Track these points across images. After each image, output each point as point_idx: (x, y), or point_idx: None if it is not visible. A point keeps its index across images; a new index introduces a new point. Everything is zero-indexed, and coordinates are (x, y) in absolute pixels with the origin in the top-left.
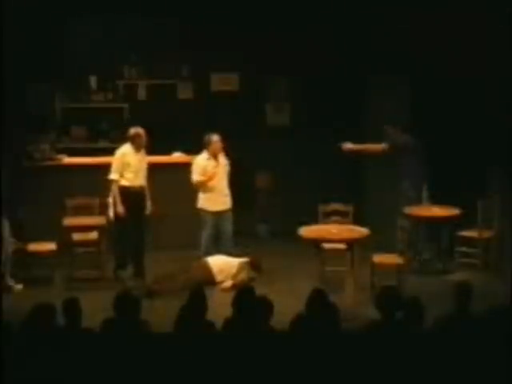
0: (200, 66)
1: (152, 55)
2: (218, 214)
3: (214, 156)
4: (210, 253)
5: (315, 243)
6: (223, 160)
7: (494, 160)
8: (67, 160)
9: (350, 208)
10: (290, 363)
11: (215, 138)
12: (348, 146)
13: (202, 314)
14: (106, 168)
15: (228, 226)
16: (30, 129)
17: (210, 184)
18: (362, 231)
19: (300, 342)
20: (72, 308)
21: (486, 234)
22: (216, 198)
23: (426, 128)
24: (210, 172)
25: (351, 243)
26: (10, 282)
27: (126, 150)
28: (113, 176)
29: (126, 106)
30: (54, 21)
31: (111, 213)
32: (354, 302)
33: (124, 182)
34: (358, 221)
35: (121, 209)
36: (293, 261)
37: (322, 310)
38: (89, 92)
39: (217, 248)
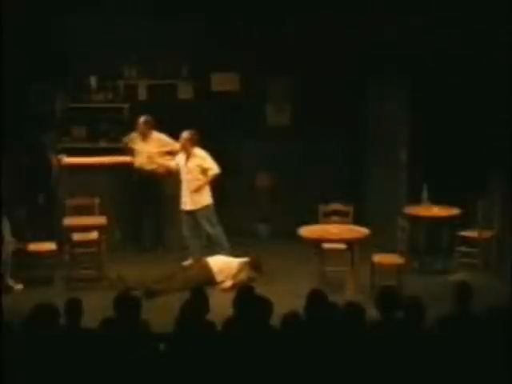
0: (200, 65)
1: (152, 55)
2: (192, 214)
3: (184, 155)
4: (195, 253)
5: (315, 243)
6: (193, 163)
7: (494, 160)
8: (67, 160)
9: (350, 208)
10: (290, 363)
11: (181, 136)
12: None
13: (202, 313)
14: (106, 168)
15: (206, 226)
16: (30, 129)
17: (183, 183)
18: (362, 231)
19: (300, 342)
20: (74, 308)
21: (486, 234)
22: (184, 199)
23: (426, 128)
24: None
25: (351, 243)
26: (10, 282)
27: (133, 137)
28: None
29: (126, 106)
30: (54, 21)
31: None
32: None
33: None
34: (358, 221)
35: None
36: (293, 261)
37: (321, 311)
38: (89, 92)
39: (213, 248)
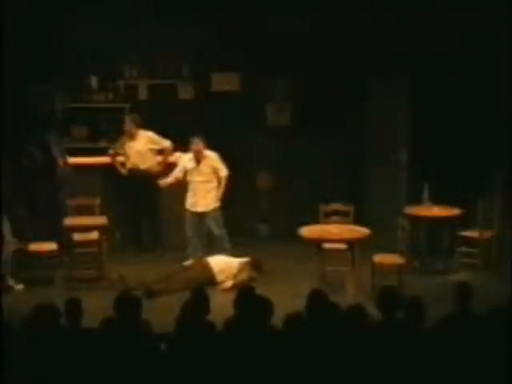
0: (200, 66)
1: (152, 55)
2: (200, 215)
3: (196, 158)
4: (196, 254)
5: (316, 243)
6: (206, 165)
7: (494, 160)
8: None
9: (350, 208)
10: (291, 363)
11: (195, 141)
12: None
13: (202, 314)
14: (106, 168)
15: (213, 227)
16: (30, 129)
17: (191, 186)
18: (362, 231)
19: (300, 342)
20: (74, 308)
21: (487, 233)
22: (196, 200)
23: (426, 128)
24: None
25: (352, 243)
26: (11, 282)
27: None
28: None
29: (126, 106)
30: (54, 21)
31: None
32: (354, 301)
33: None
34: (358, 221)
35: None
36: (293, 261)
37: (322, 310)
38: (89, 92)
39: (214, 249)
